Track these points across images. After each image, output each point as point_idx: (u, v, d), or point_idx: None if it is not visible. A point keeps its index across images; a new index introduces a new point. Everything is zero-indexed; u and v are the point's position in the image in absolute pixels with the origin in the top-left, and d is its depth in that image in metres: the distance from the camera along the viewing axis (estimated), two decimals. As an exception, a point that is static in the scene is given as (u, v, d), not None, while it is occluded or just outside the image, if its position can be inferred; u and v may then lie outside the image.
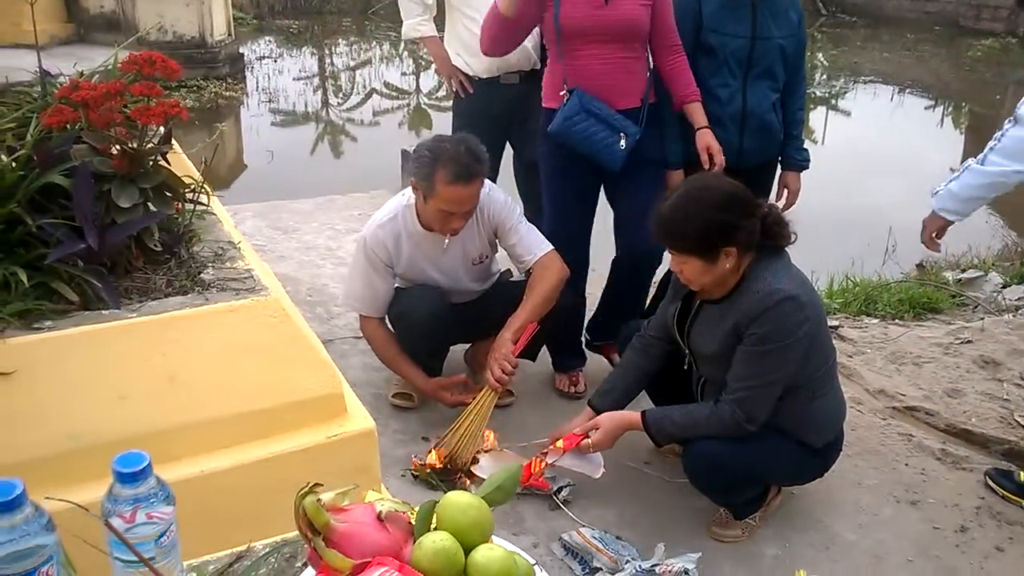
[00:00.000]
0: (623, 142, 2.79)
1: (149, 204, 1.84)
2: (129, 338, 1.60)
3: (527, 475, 2.43)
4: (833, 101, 13.07)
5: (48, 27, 9.88)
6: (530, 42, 3.38)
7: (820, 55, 18.11)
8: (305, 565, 0.97)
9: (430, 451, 2.65)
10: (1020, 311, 4.30)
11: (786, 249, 2.20)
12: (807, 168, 3.12)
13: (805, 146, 3.12)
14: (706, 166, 2.81)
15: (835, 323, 3.92)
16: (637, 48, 2.82)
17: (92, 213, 1.66)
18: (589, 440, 2.38)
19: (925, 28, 18.30)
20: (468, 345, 3.21)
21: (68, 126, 1.87)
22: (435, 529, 0.98)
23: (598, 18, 2.72)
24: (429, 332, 2.83)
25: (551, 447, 2.46)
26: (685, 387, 2.49)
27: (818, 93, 13.69)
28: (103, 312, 1.65)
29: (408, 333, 2.87)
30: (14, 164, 1.78)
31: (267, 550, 1.06)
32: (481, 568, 0.94)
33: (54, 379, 1.53)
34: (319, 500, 0.93)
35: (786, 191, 3.11)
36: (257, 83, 12.62)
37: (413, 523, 0.98)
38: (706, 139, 2.83)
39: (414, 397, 3.01)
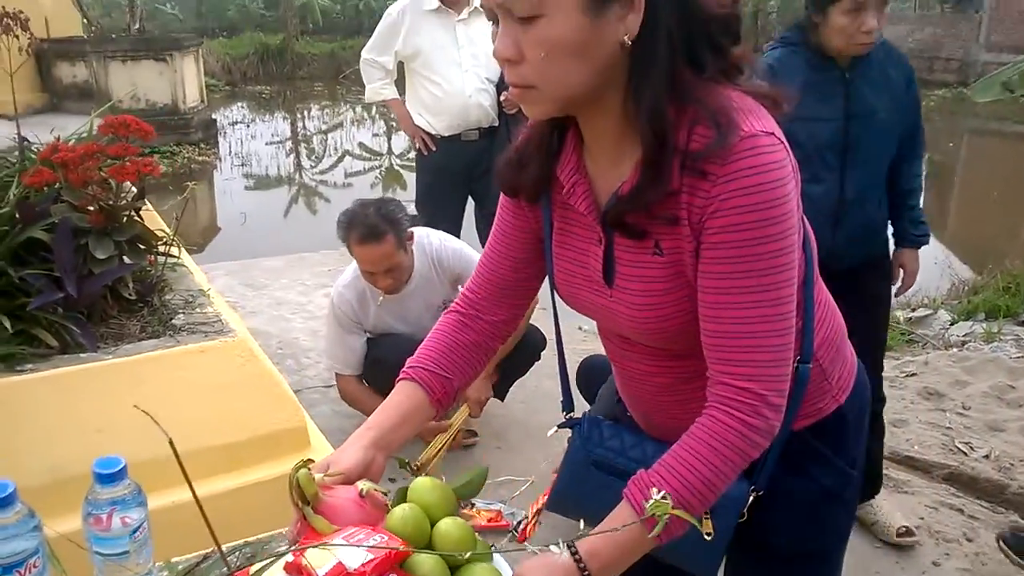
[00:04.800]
0: None
1: (124, 256, 1.97)
2: (105, 378, 1.72)
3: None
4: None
5: (23, 97, 10.04)
6: (487, 99, 3.60)
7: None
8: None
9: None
10: (965, 346, 4.49)
11: None
12: (926, 243, 2.66)
13: (924, 219, 2.63)
14: None
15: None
16: None
17: (71, 265, 1.80)
18: None
19: (880, 81, 18.96)
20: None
21: (47, 186, 2.02)
22: None
23: None
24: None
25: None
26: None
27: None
28: (81, 355, 1.78)
29: (383, 377, 2.99)
30: (-3, 222, 1.92)
31: (230, 551, 1.18)
32: (443, 533, 1.07)
33: (35, 416, 1.65)
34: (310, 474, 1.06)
35: (902, 272, 2.66)
36: (230, 148, 12.84)
37: (389, 504, 1.11)
38: None
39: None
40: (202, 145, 11.66)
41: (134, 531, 1.03)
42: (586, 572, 1.02)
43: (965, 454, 3.19)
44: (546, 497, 2.43)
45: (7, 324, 1.72)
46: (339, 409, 3.27)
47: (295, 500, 1.06)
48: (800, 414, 1.18)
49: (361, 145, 13.94)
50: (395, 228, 2.74)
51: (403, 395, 1.21)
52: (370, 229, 2.70)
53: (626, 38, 0.97)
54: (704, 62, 1.01)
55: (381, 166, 12.34)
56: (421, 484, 1.14)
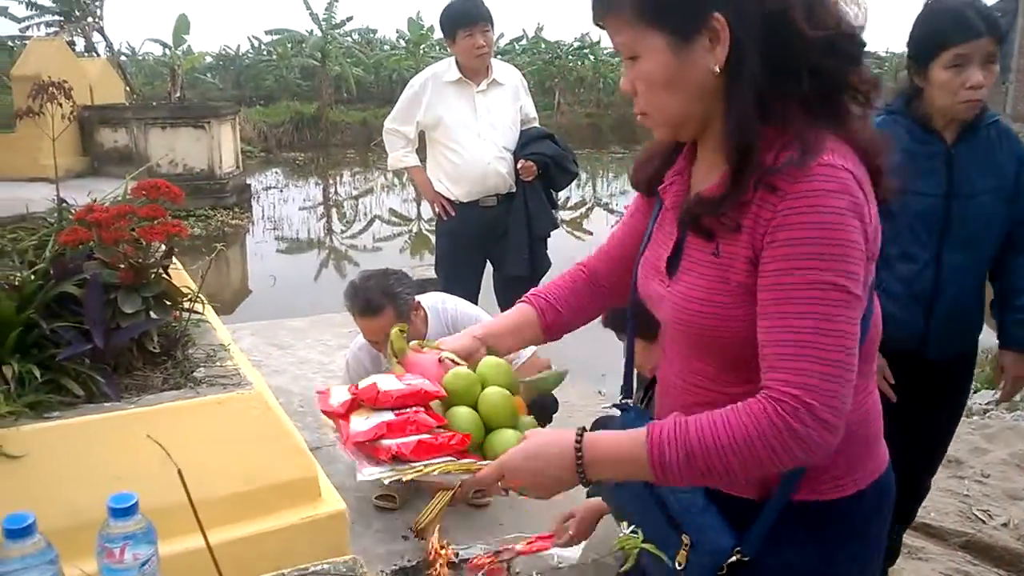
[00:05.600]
0: None
1: (150, 311, 2.07)
2: (126, 426, 1.80)
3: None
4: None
5: (64, 161, 10.44)
6: (505, 167, 3.72)
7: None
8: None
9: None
10: (987, 414, 4.46)
11: None
12: None
13: None
14: None
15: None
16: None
17: (100, 318, 1.89)
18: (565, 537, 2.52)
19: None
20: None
21: (81, 244, 2.13)
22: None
23: None
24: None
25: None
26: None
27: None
28: (104, 404, 1.86)
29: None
30: (32, 276, 2.03)
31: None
32: (486, 396, 1.29)
33: (59, 462, 1.73)
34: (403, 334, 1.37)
35: (1003, 375, 2.42)
36: (263, 212, 13.16)
37: None
38: None
39: (396, 498, 3.17)
40: (236, 209, 11.98)
41: (143, 564, 1.09)
42: (580, 455, 1.13)
43: (983, 522, 3.17)
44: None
45: (37, 373, 1.81)
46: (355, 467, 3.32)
47: (388, 354, 1.34)
48: (803, 485, 1.19)
49: (391, 210, 14.21)
50: (394, 301, 2.84)
51: (518, 312, 1.48)
52: (368, 303, 2.82)
53: (716, 68, 1.11)
54: (803, 86, 1.10)
55: (410, 231, 12.56)
56: (488, 360, 1.36)
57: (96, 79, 11.79)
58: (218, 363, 2.12)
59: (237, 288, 8.72)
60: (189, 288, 2.34)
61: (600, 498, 2.65)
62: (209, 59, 27.75)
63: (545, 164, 3.72)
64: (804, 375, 1.04)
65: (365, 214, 13.95)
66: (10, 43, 18.42)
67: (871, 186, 1.13)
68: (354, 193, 16.44)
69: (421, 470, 1.18)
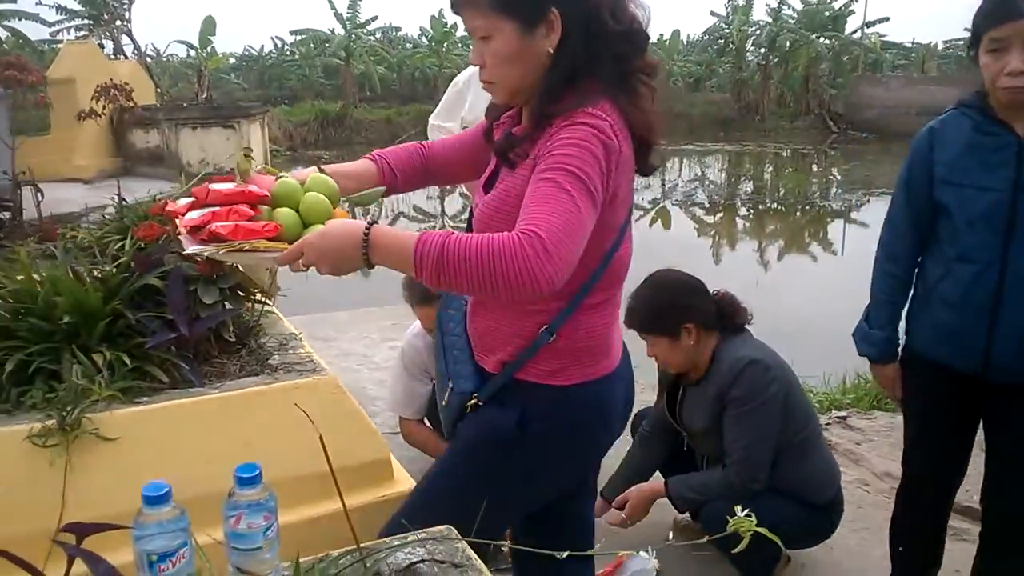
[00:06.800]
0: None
1: (226, 303, 2.16)
2: (212, 410, 1.89)
3: None
4: (850, 214, 13.48)
5: (97, 161, 10.59)
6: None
7: (834, 170, 18.71)
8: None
9: None
10: None
11: (747, 328, 2.52)
12: None
13: None
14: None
15: (843, 414, 4.13)
16: None
17: (183, 308, 1.98)
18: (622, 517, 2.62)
19: (933, 142, 18.82)
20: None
21: (158, 239, 2.23)
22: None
23: None
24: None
25: None
26: (691, 468, 2.74)
27: (834, 206, 14.15)
28: (189, 390, 1.95)
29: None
30: (115, 270, 2.12)
31: (339, 554, 1.32)
32: (306, 198, 1.61)
33: (151, 445, 1.82)
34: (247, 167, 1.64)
35: None
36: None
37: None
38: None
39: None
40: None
41: (266, 530, 1.18)
42: (366, 238, 1.38)
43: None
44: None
45: (127, 360, 1.91)
46: (402, 454, 3.40)
47: (237, 171, 1.63)
48: (527, 369, 1.60)
49: (415, 207, 14.30)
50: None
51: (363, 165, 1.81)
52: (425, 292, 2.90)
53: (549, 50, 1.47)
54: (606, 66, 1.47)
55: (434, 227, 12.67)
56: (314, 174, 1.66)
57: (127, 81, 11.93)
58: (291, 351, 2.21)
59: (269, 284, 8.84)
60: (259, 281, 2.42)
61: (653, 482, 2.74)
62: (232, 60, 27.98)
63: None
64: (540, 219, 1.32)
65: (390, 211, 14.07)
66: (41, 47, 18.67)
67: (631, 151, 1.49)
68: (379, 190, 16.55)
69: (236, 247, 1.47)
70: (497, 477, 1.66)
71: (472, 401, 1.67)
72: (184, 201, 1.68)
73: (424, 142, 1.88)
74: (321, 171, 1.69)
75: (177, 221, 1.63)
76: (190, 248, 1.51)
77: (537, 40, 1.46)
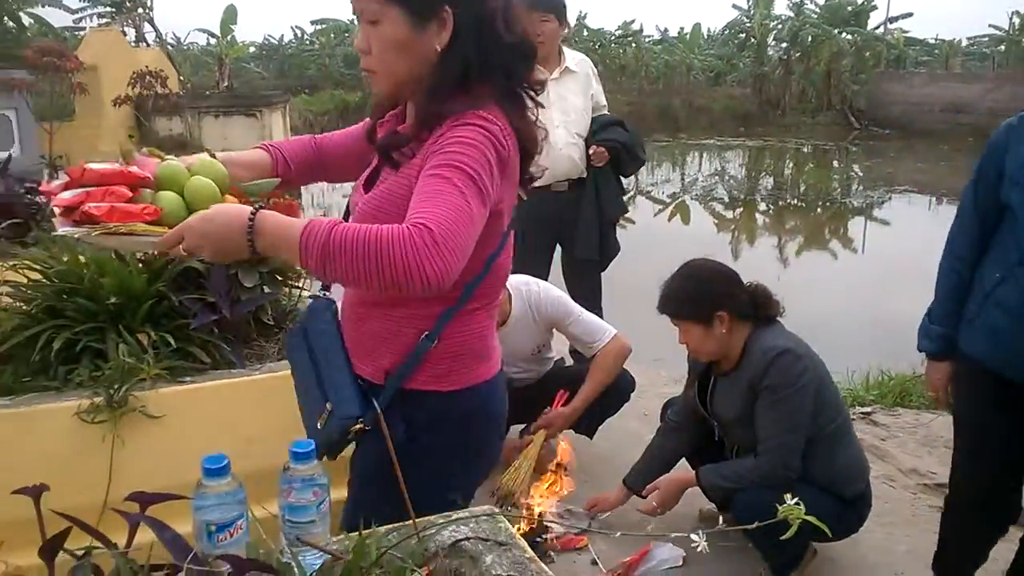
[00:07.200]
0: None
1: (264, 287, 2.20)
2: (254, 390, 1.93)
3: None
4: (871, 211, 13.41)
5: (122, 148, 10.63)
6: (577, 153, 3.81)
7: (855, 167, 18.61)
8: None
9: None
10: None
11: (779, 320, 2.53)
12: None
13: None
14: None
15: (868, 410, 4.14)
16: None
17: (225, 290, 2.02)
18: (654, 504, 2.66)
19: (959, 139, 18.72)
20: (522, 425, 3.50)
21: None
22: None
23: None
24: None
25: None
26: (721, 458, 2.75)
27: (855, 203, 14.08)
28: (231, 371, 1.99)
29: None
30: (157, 254, 2.16)
31: (386, 531, 1.35)
32: (191, 183, 1.49)
33: (194, 422, 1.86)
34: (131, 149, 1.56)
35: None
36: (312, 198, 13.34)
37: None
38: None
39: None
40: (286, 196, 12.13)
41: (319, 504, 1.20)
42: (251, 224, 1.30)
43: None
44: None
45: (171, 340, 1.95)
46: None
47: (119, 153, 1.56)
48: (412, 378, 1.52)
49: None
50: None
51: (257, 154, 1.71)
52: None
53: (438, 47, 1.43)
54: (497, 74, 1.45)
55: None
56: (202, 158, 1.58)
57: (161, 68, 12.02)
58: (327, 335, 2.24)
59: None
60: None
61: (681, 470, 2.76)
62: (253, 49, 28.08)
63: (616, 150, 3.80)
64: (430, 213, 1.28)
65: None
66: (64, 35, 18.81)
67: (518, 158, 1.46)
68: (399, 181, 16.58)
69: (111, 230, 1.39)
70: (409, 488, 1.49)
71: (357, 427, 1.52)
72: (59, 182, 1.60)
73: (316, 135, 1.82)
74: (212, 156, 1.63)
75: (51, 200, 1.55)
76: (61, 229, 1.44)
77: (427, 35, 1.43)
